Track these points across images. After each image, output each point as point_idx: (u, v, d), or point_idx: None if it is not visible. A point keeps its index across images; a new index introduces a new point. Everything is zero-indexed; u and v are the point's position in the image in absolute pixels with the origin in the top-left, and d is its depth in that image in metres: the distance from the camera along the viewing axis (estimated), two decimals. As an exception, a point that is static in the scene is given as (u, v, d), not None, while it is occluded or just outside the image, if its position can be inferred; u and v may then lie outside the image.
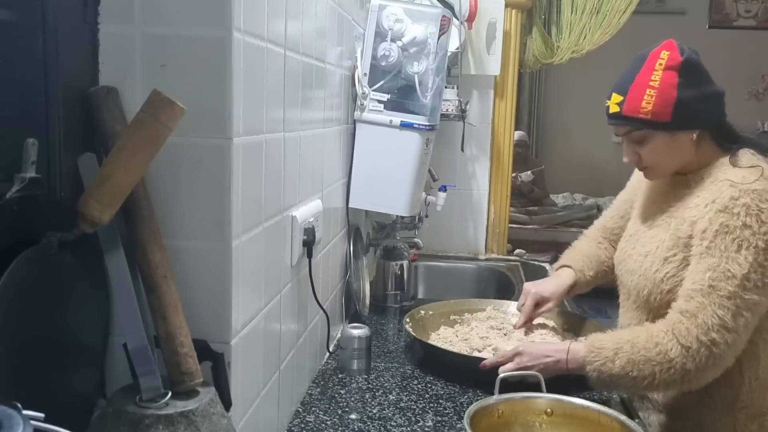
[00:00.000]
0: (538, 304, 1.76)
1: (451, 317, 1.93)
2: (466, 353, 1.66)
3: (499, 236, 2.94)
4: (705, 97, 1.44)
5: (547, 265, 2.83)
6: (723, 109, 1.49)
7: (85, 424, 0.92)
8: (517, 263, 2.81)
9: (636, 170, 1.64)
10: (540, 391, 1.37)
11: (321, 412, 1.44)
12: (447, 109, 2.48)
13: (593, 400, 1.38)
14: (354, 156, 1.92)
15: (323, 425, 1.39)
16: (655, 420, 1.56)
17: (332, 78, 1.65)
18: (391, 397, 1.54)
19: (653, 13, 5.92)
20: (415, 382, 1.63)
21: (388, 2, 1.87)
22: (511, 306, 1.95)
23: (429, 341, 1.73)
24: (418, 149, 1.92)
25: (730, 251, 1.35)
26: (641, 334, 1.41)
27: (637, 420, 1.40)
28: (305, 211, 1.41)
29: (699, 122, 1.45)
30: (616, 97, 1.46)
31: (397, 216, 2.27)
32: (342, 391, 1.56)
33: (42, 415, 0.62)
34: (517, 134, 4.24)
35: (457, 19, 2.37)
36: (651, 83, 1.41)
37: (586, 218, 5.40)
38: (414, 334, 1.73)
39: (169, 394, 0.91)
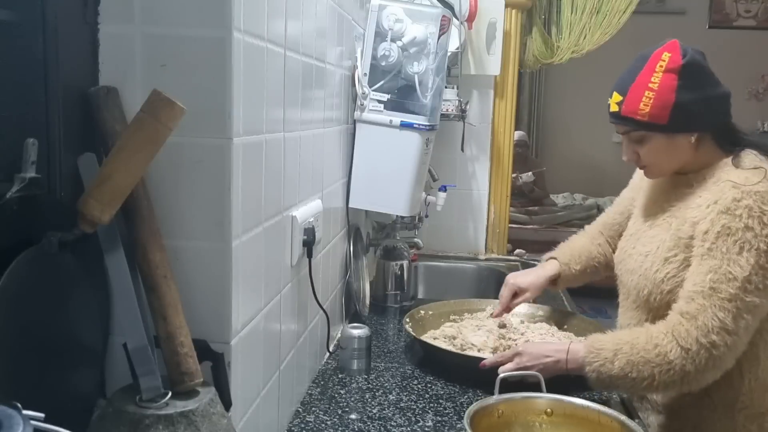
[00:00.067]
0: (516, 294, 1.80)
1: (451, 317, 1.93)
2: (463, 353, 1.67)
3: (499, 236, 2.94)
4: (705, 100, 1.43)
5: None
6: (727, 110, 1.48)
7: (85, 424, 0.92)
8: (517, 263, 2.81)
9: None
10: (540, 391, 1.37)
11: (321, 412, 1.44)
12: (447, 109, 2.48)
13: (593, 400, 1.38)
14: (354, 156, 1.92)
15: (323, 425, 1.39)
16: (654, 421, 1.56)
17: (332, 78, 1.65)
18: (391, 397, 1.54)
19: (653, 13, 5.92)
20: (415, 382, 1.63)
21: (388, 2, 1.87)
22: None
23: (426, 340, 1.73)
24: (418, 149, 1.92)
25: (732, 253, 1.34)
26: (641, 335, 1.40)
27: (637, 420, 1.40)
28: (305, 211, 1.41)
29: (697, 126, 1.44)
30: (616, 96, 1.46)
31: (397, 216, 2.27)
32: (342, 391, 1.56)
33: (42, 415, 0.62)
34: (517, 134, 4.24)
35: (457, 19, 2.37)
36: (650, 85, 1.41)
37: (586, 218, 5.40)
38: (414, 334, 1.73)
39: (169, 394, 0.91)
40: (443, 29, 1.91)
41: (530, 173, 5.41)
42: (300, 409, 1.45)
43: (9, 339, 0.79)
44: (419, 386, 1.60)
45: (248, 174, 1.05)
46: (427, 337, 1.77)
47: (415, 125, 1.89)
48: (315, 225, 1.44)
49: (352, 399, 1.52)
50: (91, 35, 0.96)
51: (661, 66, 1.41)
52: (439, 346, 1.69)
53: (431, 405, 1.50)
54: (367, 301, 2.09)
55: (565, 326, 1.87)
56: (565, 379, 1.48)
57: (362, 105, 1.88)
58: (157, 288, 0.93)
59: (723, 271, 1.34)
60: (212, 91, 0.96)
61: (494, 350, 1.67)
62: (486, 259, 2.86)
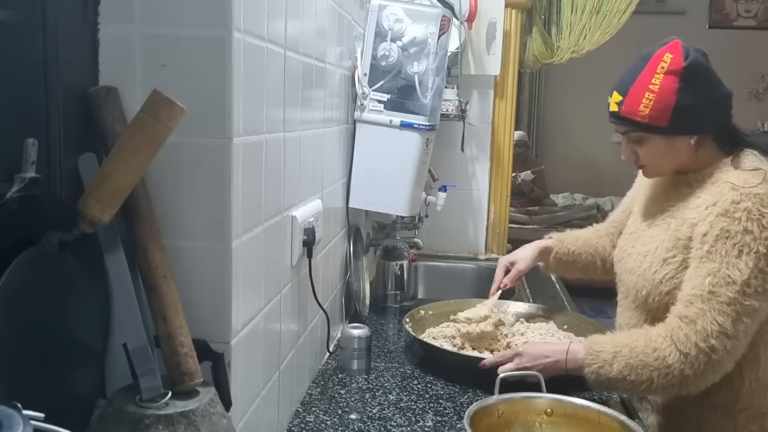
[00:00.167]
0: (508, 270, 1.83)
1: (451, 317, 1.93)
2: (463, 352, 1.67)
3: (499, 236, 2.94)
4: (706, 102, 1.42)
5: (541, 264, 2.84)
6: (728, 112, 1.47)
7: (85, 424, 0.92)
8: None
9: None
10: (540, 391, 1.37)
11: (321, 412, 1.44)
12: (447, 109, 2.48)
13: (593, 400, 1.38)
14: (354, 156, 1.92)
15: (323, 425, 1.39)
16: (654, 421, 1.56)
17: (332, 78, 1.65)
18: (391, 397, 1.54)
19: (653, 13, 5.92)
20: (415, 382, 1.63)
21: (388, 2, 1.87)
22: (511, 306, 1.96)
23: (426, 340, 1.73)
24: (418, 149, 1.92)
25: (731, 256, 1.33)
26: (640, 338, 1.40)
27: (637, 420, 1.40)
28: (305, 211, 1.41)
29: (697, 128, 1.44)
30: (616, 96, 1.45)
31: (397, 216, 2.27)
32: (342, 391, 1.56)
33: (42, 415, 0.62)
34: (517, 134, 4.24)
35: (457, 19, 2.37)
36: (651, 87, 1.40)
37: (586, 218, 5.41)
38: (414, 334, 1.73)
39: (169, 394, 0.91)
40: (443, 29, 1.91)
41: (529, 172, 5.41)
42: (300, 409, 1.45)
43: (9, 339, 0.79)
44: (419, 386, 1.60)
45: (248, 174, 1.05)
46: (427, 337, 1.77)
47: (415, 125, 1.89)
48: (315, 225, 1.44)
49: (352, 399, 1.52)
50: (91, 35, 0.96)
51: (662, 67, 1.40)
52: (439, 346, 1.69)
53: (431, 405, 1.50)
54: (367, 301, 2.09)
55: (565, 326, 1.87)
56: (565, 379, 1.48)
57: (362, 105, 1.88)
58: (157, 288, 0.93)
59: (722, 275, 1.33)
60: (212, 91, 0.96)
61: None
62: (486, 259, 2.86)
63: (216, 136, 0.97)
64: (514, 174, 4.24)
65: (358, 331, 1.66)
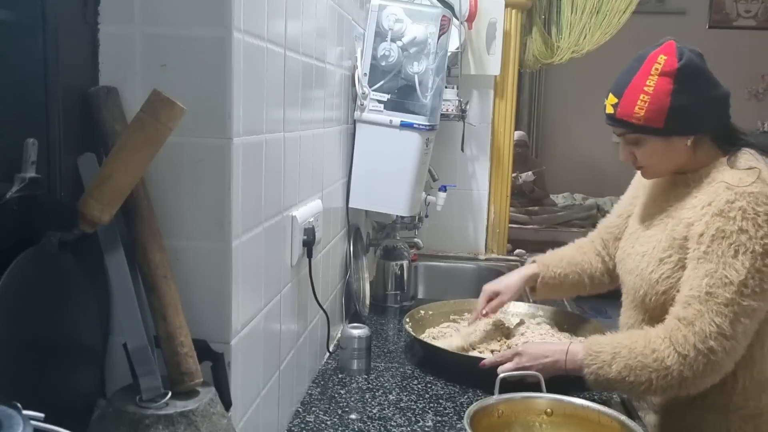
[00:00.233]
0: (491, 299, 1.78)
1: (451, 317, 1.93)
2: (463, 353, 1.67)
3: (499, 236, 2.94)
4: (702, 103, 1.42)
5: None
6: (726, 111, 1.47)
7: (85, 424, 0.92)
8: (517, 263, 2.81)
9: None
10: (540, 391, 1.37)
11: (321, 412, 1.44)
12: (447, 109, 2.48)
13: (593, 400, 1.38)
14: (354, 156, 1.92)
15: (323, 425, 1.39)
16: (652, 420, 1.56)
17: (332, 78, 1.65)
18: (391, 397, 1.54)
19: (653, 13, 5.91)
20: (415, 382, 1.63)
21: (388, 2, 1.87)
22: (511, 306, 1.95)
23: (426, 340, 1.73)
24: (418, 149, 1.92)
25: (727, 257, 1.33)
26: (639, 339, 1.40)
27: (637, 420, 1.40)
28: (305, 211, 1.41)
29: (694, 129, 1.43)
30: (612, 98, 1.45)
31: (397, 216, 2.27)
32: (342, 391, 1.56)
33: (42, 415, 0.62)
34: (517, 134, 4.24)
35: (457, 19, 2.37)
36: (645, 89, 1.40)
37: (586, 218, 5.40)
38: (414, 334, 1.73)
39: (169, 394, 0.91)
40: (443, 29, 1.91)
41: (530, 172, 5.41)
42: (300, 409, 1.45)
43: (9, 339, 0.79)
44: (419, 386, 1.60)
45: (248, 174, 1.05)
46: (427, 337, 1.77)
47: (415, 125, 1.89)
48: (315, 225, 1.44)
49: (352, 399, 1.52)
50: (91, 35, 0.96)
51: (656, 69, 1.40)
52: (439, 346, 1.69)
53: (431, 405, 1.50)
54: (367, 301, 2.09)
55: (565, 326, 1.87)
56: (565, 379, 1.48)
57: (362, 105, 1.88)
58: (157, 288, 0.93)
59: (719, 276, 1.33)
60: (212, 91, 0.96)
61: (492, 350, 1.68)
62: (486, 259, 2.86)
63: (216, 136, 0.97)
64: (514, 174, 4.24)
65: (358, 331, 1.66)
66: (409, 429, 1.39)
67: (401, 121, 1.89)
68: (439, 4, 2.06)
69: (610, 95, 1.46)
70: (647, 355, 1.36)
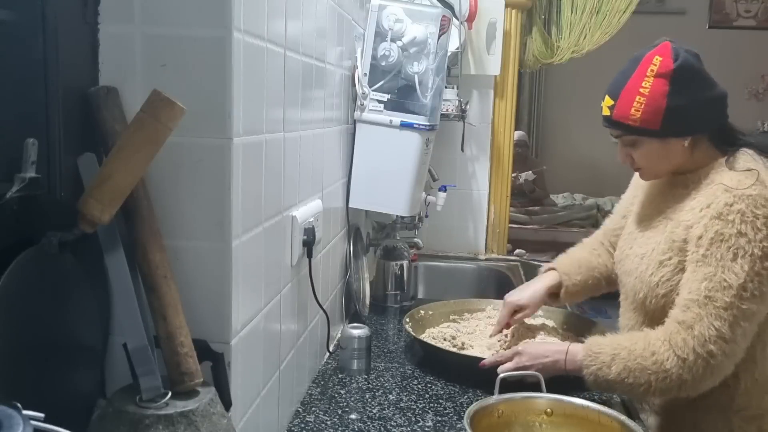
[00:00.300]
0: (516, 311, 1.75)
1: (451, 317, 1.93)
2: (463, 352, 1.67)
3: (499, 236, 2.94)
4: (698, 103, 1.41)
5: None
6: (723, 112, 1.46)
7: (85, 424, 0.92)
8: (517, 263, 2.81)
9: None
10: (540, 391, 1.37)
11: (321, 412, 1.44)
12: (447, 109, 2.48)
13: (593, 400, 1.38)
14: (354, 156, 1.92)
15: (323, 425, 1.39)
16: (653, 422, 1.56)
17: (332, 78, 1.65)
18: (391, 397, 1.54)
19: (653, 13, 5.91)
20: (415, 382, 1.63)
21: (388, 2, 1.87)
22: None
23: (426, 340, 1.73)
24: (418, 149, 1.92)
25: (726, 260, 1.32)
26: (639, 341, 1.39)
27: (637, 420, 1.40)
28: (305, 211, 1.41)
29: (691, 129, 1.43)
30: (608, 100, 1.45)
31: (397, 216, 2.27)
32: (342, 391, 1.56)
33: (42, 415, 0.62)
34: (517, 134, 4.24)
35: (457, 19, 2.37)
36: (641, 90, 1.39)
37: (586, 218, 5.40)
38: (414, 334, 1.73)
39: (169, 394, 0.91)
40: (443, 29, 1.91)
41: (530, 172, 5.41)
42: (300, 409, 1.45)
43: (9, 339, 0.79)
44: (419, 386, 1.60)
45: (248, 174, 1.05)
46: (427, 337, 1.77)
47: (415, 125, 1.89)
48: (315, 225, 1.44)
49: (352, 399, 1.52)
50: (91, 35, 0.96)
51: (652, 70, 1.39)
52: (439, 346, 1.69)
53: (431, 405, 1.50)
54: (367, 301, 2.09)
55: (565, 326, 1.87)
56: (565, 379, 1.48)
57: (362, 105, 1.88)
58: (157, 288, 0.93)
59: (718, 279, 1.32)
60: (212, 91, 0.96)
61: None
62: (486, 259, 2.86)
63: (216, 136, 0.97)
64: (514, 174, 4.24)
65: (358, 331, 1.66)
66: (409, 429, 1.39)
67: (401, 121, 1.89)
68: (439, 4, 2.06)
69: (607, 97, 1.46)
70: (646, 357, 1.36)
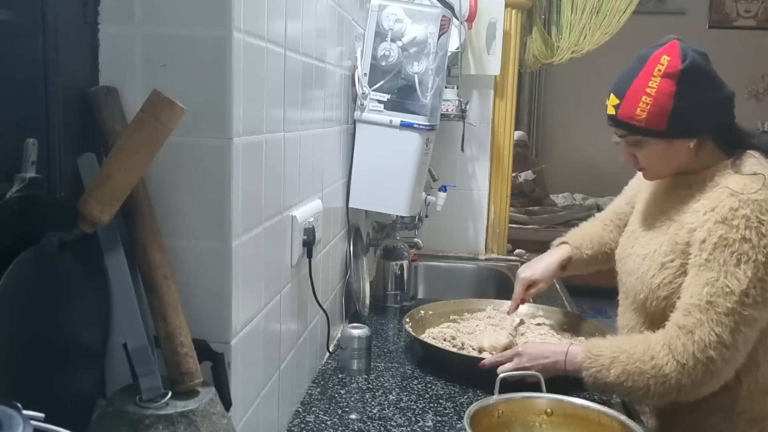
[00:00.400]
0: (530, 286, 1.78)
1: (451, 317, 1.93)
2: (463, 352, 1.67)
3: (499, 236, 2.94)
4: (705, 104, 1.40)
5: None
6: (730, 112, 1.45)
7: (85, 424, 0.92)
8: (517, 263, 2.81)
9: None
10: (540, 391, 1.37)
11: (321, 412, 1.44)
12: (447, 109, 2.48)
13: (593, 400, 1.38)
14: (354, 156, 1.92)
15: (323, 425, 1.39)
16: (654, 425, 1.55)
17: (332, 78, 1.65)
18: (391, 397, 1.54)
19: (653, 13, 5.92)
20: (415, 382, 1.63)
21: (388, 2, 1.87)
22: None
23: (426, 340, 1.73)
24: (418, 149, 1.92)
25: (729, 265, 1.31)
26: (639, 344, 1.39)
27: (637, 420, 1.39)
28: (305, 211, 1.41)
29: (697, 131, 1.42)
30: (613, 99, 1.43)
31: (397, 216, 2.27)
32: (342, 391, 1.56)
33: (42, 415, 0.62)
34: (517, 134, 4.24)
35: (457, 19, 2.37)
36: (647, 90, 1.38)
37: (586, 218, 5.34)
38: (414, 334, 1.73)
39: (169, 394, 0.91)
40: (443, 29, 1.91)
41: (530, 172, 5.41)
42: (300, 409, 1.45)
43: (9, 339, 0.79)
44: (419, 386, 1.60)
45: (248, 174, 1.05)
46: (427, 337, 1.77)
47: (415, 125, 1.89)
48: (315, 225, 1.44)
49: (352, 399, 1.52)
50: (91, 35, 0.96)
51: (659, 70, 1.37)
52: (439, 346, 1.69)
53: (431, 405, 1.50)
54: (367, 301, 2.09)
55: (565, 326, 1.87)
56: (565, 379, 1.48)
57: (362, 105, 1.88)
58: (157, 288, 0.93)
59: (720, 284, 1.31)
60: (212, 91, 0.96)
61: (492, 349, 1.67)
62: (486, 259, 2.86)
63: (216, 136, 0.97)
64: (514, 174, 4.23)
65: (358, 331, 1.66)
66: (409, 429, 1.39)
67: (401, 121, 1.89)
68: (439, 4, 2.06)
69: (612, 96, 1.44)
70: (646, 361, 1.35)
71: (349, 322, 1.91)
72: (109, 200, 0.86)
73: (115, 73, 0.97)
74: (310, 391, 1.54)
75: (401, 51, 1.86)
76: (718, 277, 1.32)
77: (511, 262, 2.83)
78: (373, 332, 1.82)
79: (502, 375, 1.41)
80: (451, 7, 2.18)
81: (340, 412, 1.45)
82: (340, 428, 1.38)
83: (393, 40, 1.85)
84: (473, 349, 1.70)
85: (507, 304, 1.96)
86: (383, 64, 1.86)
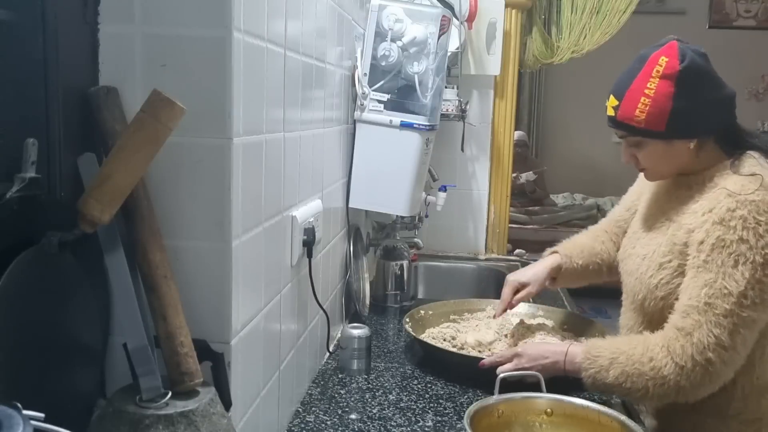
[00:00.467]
0: (518, 290, 1.76)
1: (451, 317, 1.93)
2: (463, 352, 1.67)
3: (499, 236, 2.94)
4: (705, 105, 1.39)
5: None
6: (731, 113, 1.45)
7: (85, 424, 0.92)
8: (517, 263, 2.81)
9: None
10: (540, 391, 1.37)
11: (321, 412, 1.44)
12: (447, 109, 2.48)
13: (593, 400, 1.38)
14: (354, 156, 1.92)
15: (323, 425, 1.39)
16: (652, 425, 1.55)
17: (332, 78, 1.65)
18: (391, 397, 1.54)
19: (653, 13, 5.92)
20: (415, 382, 1.63)
21: (388, 2, 1.87)
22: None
23: (426, 340, 1.73)
24: (418, 149, 1.92)
25: (727, 267, 1.31)
26: (638, 345, 1.38)
27: (637, 420, 1.39)
28: (305, 211, 1.41)
29: (697, 132, 1.41)
30: (612, 100, 1.43)
31: (397, 216, 2.27)
32: (342, 391, 1.56)
33: (42, 415, 0.62)
34: (517, 134, 4.24)
35: (457, 19, 2.37)
36: (646, 91, 1.37)
37: (586, 218, 5.41)
38: (414, 334, 1.73)
39: (169, 394, 0.91)
40: (443, 29, 1.91)
41: (531, 173, 5.41)
42: (300, 409, 1.45)
43: (9, 339, 0.79)
44: (419, 386, 1.60)
45: (248, 174, 1.05)
46: (427, 337, 1.77)
47: (415, 125, 1.89)
48: (315, 225, 1.44)
49: (352, 399, 1.52)
50: (91, 35, 0.96)
51: (657, 71, 1.37)
52: (439, 346, 1.69)
53: (431, 405, 1.50)
54: (367, 301, 2.09)
55: (565, 326, 1.87)
56: (565, 379, 1.47)
57: (362, 105, 1.88)
58: (157, 288, 0.93)
59: (718, 286, 1.31)
60: (212, 91, 0.96)
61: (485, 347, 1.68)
62: (486, 259, 2.87)
63: (216, 136, 0.97)
64: (515, 174, 4.23)
65: (358, 331, 1.66)
66: (409, 429, 1.39)
67: (401, 121, 1.89)
68: (439, 4, 2.06)
69: (611, 97, 1.44)
70: (644, 363, 1.35)
71: (349, 322, 1.91)
72: (109, 200, 0.86)
73: (115, 73, 0.97)
74: (310, 391, 1.54)
75: (401, 51, 1.86)
76: (716, 278, 1.32)
77: (511, 262, 2.83)
78: (373, 332, 1.82)
79: (501, 375, 1.41)
80: (451, 7, 2.18)
81: (340, 412, 1.45)
82: (340, 428, 1.38)
83: (393, 40, 1.85)
84: (472, 348, 1.70)
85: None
86: (383, 64, 1.86)
